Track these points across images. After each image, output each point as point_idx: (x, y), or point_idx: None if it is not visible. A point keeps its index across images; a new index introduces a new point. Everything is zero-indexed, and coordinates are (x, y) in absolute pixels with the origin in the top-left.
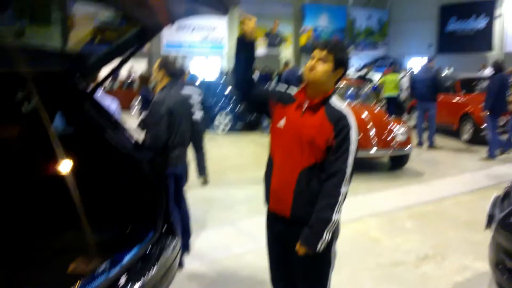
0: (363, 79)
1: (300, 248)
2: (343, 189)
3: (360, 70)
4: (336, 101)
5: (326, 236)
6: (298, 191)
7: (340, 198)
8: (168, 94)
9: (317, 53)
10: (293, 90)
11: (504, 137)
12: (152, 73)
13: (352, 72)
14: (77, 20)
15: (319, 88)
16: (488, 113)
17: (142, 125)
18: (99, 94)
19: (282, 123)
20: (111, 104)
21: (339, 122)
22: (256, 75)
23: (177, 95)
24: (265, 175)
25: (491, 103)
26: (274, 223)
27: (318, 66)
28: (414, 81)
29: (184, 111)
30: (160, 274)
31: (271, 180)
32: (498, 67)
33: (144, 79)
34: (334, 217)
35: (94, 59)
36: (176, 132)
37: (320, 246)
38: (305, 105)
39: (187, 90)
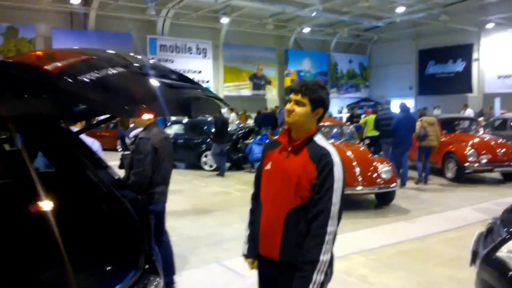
0: (351, 120)
1: None
2: (329, 228)
3: (341, 112)
4: (319, 139)
5: (317, 278)
6: (286, 234)
7: (327, 237)
8: (152, 132)
9: (293, 97)
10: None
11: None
12: None
13: (343, 113)
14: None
15: (301, 129)
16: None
17: (121, 164)
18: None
19: (268, 166)
20: (91, 145)
21: (321, 160)
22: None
23: (160, 133)
24: (254, 218)
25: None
26: (265, 267)
27: (296, 109)
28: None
29: (167, 150)
30: None
31: (260, 223)
32: (404, 108)
33: (123, 120)
34: (322, 257)
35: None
36: (160, 169)
37: None
38: (289, 147)
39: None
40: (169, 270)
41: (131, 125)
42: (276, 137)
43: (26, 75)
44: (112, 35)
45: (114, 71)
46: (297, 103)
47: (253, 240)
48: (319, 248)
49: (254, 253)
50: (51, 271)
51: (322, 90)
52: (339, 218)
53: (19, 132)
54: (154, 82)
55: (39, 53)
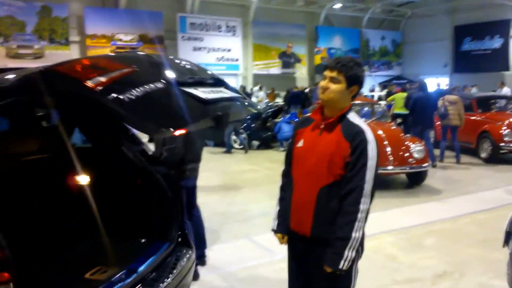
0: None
1: (326, 268)
2: (362, 206)
3: (373, 90)
4: (353, 117)
5: (349, 254)
6: (318, 210)
7: (360, 215)
8: None
9: (328, 73)
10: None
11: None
12: None
13: (376, 91)
14: (95, 41)
15: (335, 107)
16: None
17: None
18: None
19: (300, 143)
20: None
21: (355, 138)
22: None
23: None
24: (284, 194)
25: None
26: (295, 242)
27: (331, 86)
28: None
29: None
30: (175, 284)
31: (292, 199)
32: (422, 86)
33: None
34: (354, 234)
35: None
36: (191, 147)
37: (343, 264)
38: (322, 125)
39: None
40: (200, 244)
41: None
42: (307, 114)
43: (69, 87)
44: (143, 13)
45: (151, 89)
46: (332, 80)
47: (283, 216)
48: (352, 225)
49: (283, 228)
50: (88, 243)
51: (358, 67)
52: (372, 197)
53: (56, 109)
54: (189, 101)
55: (85, 62)
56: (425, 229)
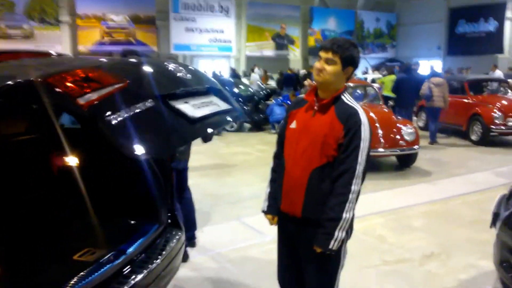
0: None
1: (316, 249)
2: (354, 187)
3: (366, 72)
4: (347, 98)
5: (339, 234)
6: (309, 191)
7: (351, 196)
8: None
9: (323, 54)
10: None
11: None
12: None
13: (369, 73)
14: (85, 21)
15: (329, 88)
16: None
17: None
18: None
19: (293, 125)
20: None
21: (349, 119)
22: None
23: None
24: (276, 176)
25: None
26: (285, 223)
27: (326, 68)
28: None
29: None
30: (164, 266)
31: (283, 180)
32: (405, 68)
33: None
34: (345, 215)
35: None
36: None
37: (333, 245)
38: (316, 106)
39: None
40: (190, 226)
41: None
42: (300, 95)
43: (59, 101)
44: None
45: (138, 109)
46: (327, 61)
47: (274, 198)
48: (343, 206)
49: (274, 209)
50: (77, 225)
51: (354, 48)
52: (363, 178)
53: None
54: (177, 121)
55: (79, 73)
56: (415, 210)
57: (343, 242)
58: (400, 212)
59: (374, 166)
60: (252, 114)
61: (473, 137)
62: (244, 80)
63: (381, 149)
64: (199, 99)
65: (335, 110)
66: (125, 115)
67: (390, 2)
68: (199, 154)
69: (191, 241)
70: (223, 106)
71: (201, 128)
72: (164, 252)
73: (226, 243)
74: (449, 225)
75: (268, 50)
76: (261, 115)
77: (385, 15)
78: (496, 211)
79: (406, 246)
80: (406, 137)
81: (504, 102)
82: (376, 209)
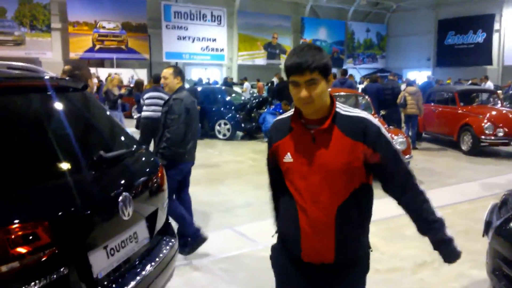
0: None
1: (449, 263)
2: (421, 188)
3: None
4: (343, 108)
5: (450, 234)
6: (339, 232)
7: (427, 195)
8: (183, 94)
9: (299, 78)
10: (285, 116)
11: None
12: (165, 78)
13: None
14: (77, 28)
15: (320, 108)
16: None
17: (137, 125)
18: None
19: (288, 158)
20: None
21: (366, 132)
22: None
23: (190, 96)
24: (286, 219)
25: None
26: (311, 273)
27: (312, 93)
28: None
29: (196, 111)
30: (157, 273)
31: (300, 227)
32: (373, 79)
33: (137, 84)
34: (440, 215)
35: None
36: (191, 128)
37: (458, 247)
38: (312, 130)
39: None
40: (186, 232)
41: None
42: (279, 118)
43: None
44: (127, 1)
45: None
46: (309, 83)
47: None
48: (432, 208)
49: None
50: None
51: (322, 52)
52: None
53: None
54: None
55: None
56: (407, 219)
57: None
58: (392, 221)
59: None
60: (245, 122)
61: (464, 147)
62: (237, 88)
63: None
64: None
65: (339, 128)
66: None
67: (380, 13)
68: None
69: (184, 248)
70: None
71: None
72: (157, 259)
73: (218, 251)
74: None
75: (260, 59)
76: (253, 123)
77: (375, 26)
78: (488, 220)
79: (398, 254)
80: (398, 146)
81: (494, 113)
82: None
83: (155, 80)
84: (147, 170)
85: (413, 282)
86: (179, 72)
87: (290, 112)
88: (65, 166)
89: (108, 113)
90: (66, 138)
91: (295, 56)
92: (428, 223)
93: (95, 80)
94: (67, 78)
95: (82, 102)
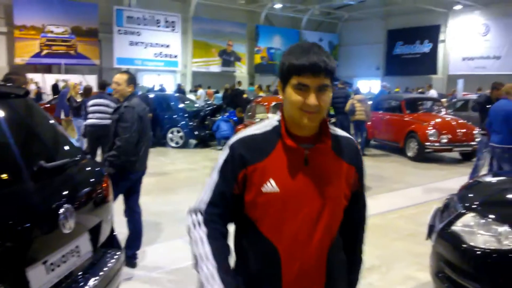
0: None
1: None
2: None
3: None
4: (331, 126)
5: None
6: (330, 271)
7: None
8: (135, 101)
9: (311, 82)
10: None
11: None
12: (118, 84)
13: None
14: (24, 32)
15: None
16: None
17: (84, 133)
18: None
19: (272, 186)
20: None
21: (357, 156)
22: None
23: (141, 103)
24: (263, 264)
25: None
26: None
27: (322, 101)
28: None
29: (147, 119)
30: (102, 286)
31: (282, 273)
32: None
33: (87, 91)
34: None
35: None
36: (143, 137)
37: None
38: (307, 151)
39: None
40: (135, 244)
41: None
42: (253, 133)
43: None
44: (77, 4)
45: None
46: (321, 88)
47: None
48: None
49: None
50: None
51: (329, 54)
52: None
53: None
54: None
55: None
56: None
57: None
58: None
59: None
60: (198, 130)
61: (410, 154)
62: (190, 96)
63: None
64: None
65: (333, 149)
66: None
67: (332, 23)
68: None
69: (131, 260)
70: None
71: None
72: (102, 272)
73: (168, 263)
74: (388, 238)
75: (215, 66)
76: (207, 131)
77: (327, 36)
78: (432, 223)
79: None
80: None
81: (438, 120)
82: None
83: (101, 86)
84: (91, 180)
85: (362, 286)
86: (133, 79)
87: (266, 126)
88: (3, 176)
89: (52, 121)
90: (5, 147)
91: (306, 54)
92: (351, 283)
93: (33, 86)
94: (1, 82)
95: (23, 109)
